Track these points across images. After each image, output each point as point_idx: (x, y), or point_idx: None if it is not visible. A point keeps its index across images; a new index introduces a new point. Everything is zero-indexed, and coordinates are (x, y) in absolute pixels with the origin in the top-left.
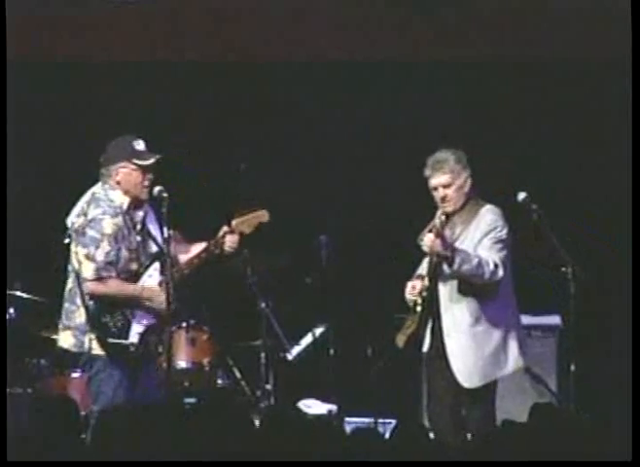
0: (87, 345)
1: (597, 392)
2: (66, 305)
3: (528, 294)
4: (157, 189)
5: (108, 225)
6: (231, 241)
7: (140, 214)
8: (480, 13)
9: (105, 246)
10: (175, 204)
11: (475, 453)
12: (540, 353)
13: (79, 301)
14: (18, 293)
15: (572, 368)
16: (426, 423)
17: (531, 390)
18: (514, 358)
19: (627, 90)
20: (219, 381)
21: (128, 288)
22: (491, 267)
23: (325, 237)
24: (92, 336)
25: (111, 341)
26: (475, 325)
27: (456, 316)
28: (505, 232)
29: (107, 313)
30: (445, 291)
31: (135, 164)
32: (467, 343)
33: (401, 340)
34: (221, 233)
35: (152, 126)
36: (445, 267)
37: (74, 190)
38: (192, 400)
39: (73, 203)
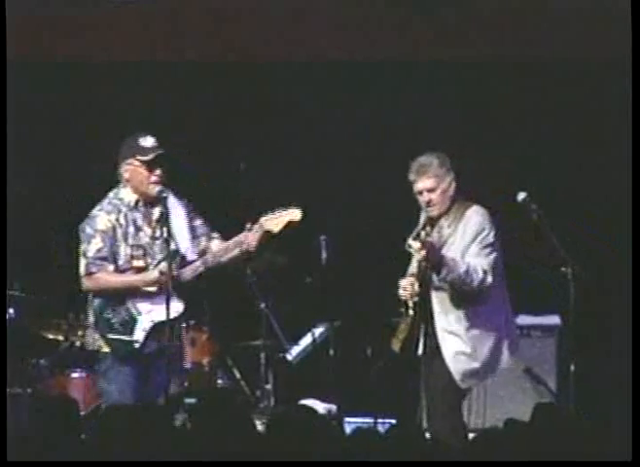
0: (97, 343)
1: (597, 392)
2: (87, 304)
3: (528, 294)
4: (156, 189)
5: (102, 221)
6: (251, 239)
7: (156, 211)
8: (479, 13)
9: (97, 242)
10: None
11: (475, 453)
12: (540, 353)
13: (90, 298)
14: (18, 293)
15: (572, 368)
16: (425, 425)
17: (531, 390)
18: (506, 357)
19: (627, 90)
20: (219, 381)
21: (117, 280)
22: (480, 274)
23: (325, 237)
24: (98, 332)
25: (112, 336)
26: (468, 329)
27: (449, 320)
28: (492, 234)
29: (111, 309)
30: (437, 295)
31: (139, 160)
32: (461, 347)
33: (396, 344)
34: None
35: (152, 126)
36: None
37: (74, 190)
38: (192, 400)
39: (73, 203)
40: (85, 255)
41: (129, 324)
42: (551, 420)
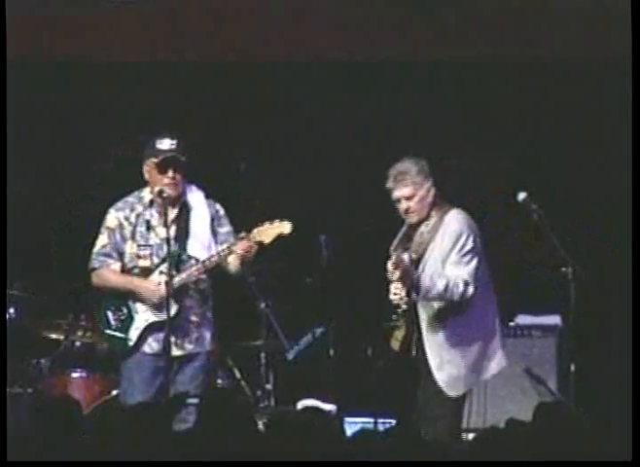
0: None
1: (597, 392)
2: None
3: (528, 294)
4: (156, 189)
5: (111, 218)
6: (241, 249)
7: (173, 212)
8: (480, 13)
9: (103, 238)
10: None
11: (474, 453)
12: (540, 353)
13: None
14: (18, 293)
15: (572, 368)
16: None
17: (531, 390)
18: (496, 361)
19: (627, 90)
20: (219, 381)
21: (118, 280)
22: (460, 288)
23: (325, 237)
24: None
25: (108, 332)
26: (452, 338)
27: (434, 328)
28: (472, 238)
29: (112, 306)
30: (421, 304)
31: (152, 163)
32: (445, 356)
33: (395, 344)
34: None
35: (152, 127)
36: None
37: (74, 190)
38: (192, 400)
39: (73, 203)
40: (92, 251)
41: (127, 323)
42: (552, 420)
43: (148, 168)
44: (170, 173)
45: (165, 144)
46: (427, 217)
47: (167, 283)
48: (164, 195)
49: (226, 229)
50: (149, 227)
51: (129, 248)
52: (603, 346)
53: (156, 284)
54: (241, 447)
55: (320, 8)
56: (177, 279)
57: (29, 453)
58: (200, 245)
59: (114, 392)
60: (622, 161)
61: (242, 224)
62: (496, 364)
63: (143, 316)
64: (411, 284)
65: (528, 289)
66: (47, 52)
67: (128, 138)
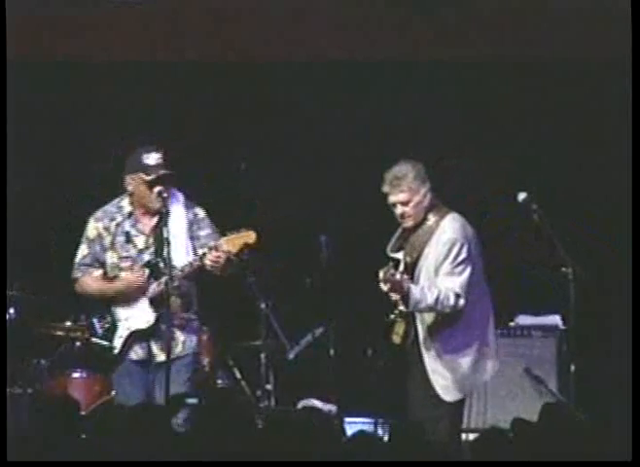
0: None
1: (597, 392)
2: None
3: (528, 294)
4: (156, 189)
5: (90, 228)
6: (211, 259)
7: (154, 221)
8: (480, 13)
9: (83, 249)
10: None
11: (475, 453)
12: (540, 353)
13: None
14: (18, 293)
15: (572, 368)
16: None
17: (531, 390)
18: (491, 365)
19: (627, 90)
20: (219, 381)
21: (101, 286)
22: (451, 300)
23: (325, 237)
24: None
25: (94, 340)
26: (444, 347)
27: (429, 335)
28: (466, 248)
29: (97, 314)
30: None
31: (141, 179)
32: (438, 366)
33: (396, 338)
34: (201, 252)
35: (152, 127)
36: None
37: (74, 190)
38: (192, 400)
39: (73, 203)
40: (74, 261)
41: (111, 331)
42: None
43: (134, 182)
44: (159, 189)
45: (153, 159)
46: (423, 221)
47: (167, 284)
48: (150, 208)
49: (206, 232)
50: (128, 239)
51: (110, 258)
52: (603, 346)
53: (137, 275)
54: (241, 447)
55: (320, 8)
56: (151, 289)
57: (29, 453)
58: (180, 252)
59: (114, 392)
60: (622, 162)
61: (242, 225)
62: (491, 368)
63: (125, 324)
64: (401, 297)
65: (528, 289)
66: (47, 52)
67: (128, 138)
